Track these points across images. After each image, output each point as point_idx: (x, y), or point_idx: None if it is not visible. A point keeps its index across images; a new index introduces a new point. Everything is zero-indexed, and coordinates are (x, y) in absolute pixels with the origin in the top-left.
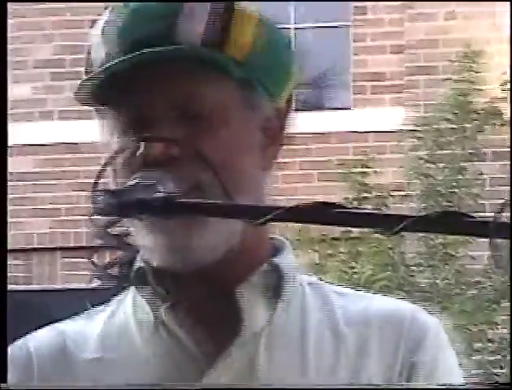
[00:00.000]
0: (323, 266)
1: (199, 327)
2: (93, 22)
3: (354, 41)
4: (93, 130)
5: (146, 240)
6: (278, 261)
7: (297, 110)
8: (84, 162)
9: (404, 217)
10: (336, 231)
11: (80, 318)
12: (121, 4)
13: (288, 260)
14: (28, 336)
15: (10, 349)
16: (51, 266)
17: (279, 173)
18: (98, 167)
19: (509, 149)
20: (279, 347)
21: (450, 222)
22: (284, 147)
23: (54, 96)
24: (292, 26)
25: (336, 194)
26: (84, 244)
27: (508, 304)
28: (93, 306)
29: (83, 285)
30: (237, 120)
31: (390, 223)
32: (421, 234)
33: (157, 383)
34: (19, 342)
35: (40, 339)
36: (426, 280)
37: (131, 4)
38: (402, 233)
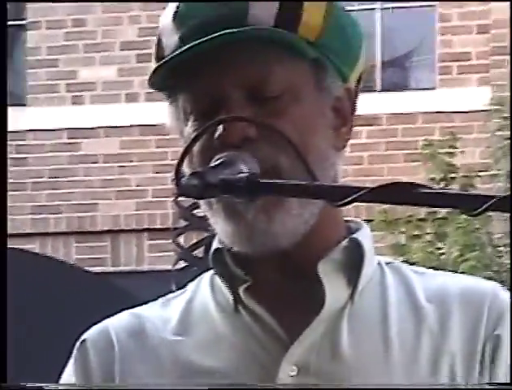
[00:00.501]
0: (410, 247)
1: (280, 305)
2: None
3: (440, 21)
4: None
5: (225, 225)
6: (357, 237)
7: (383, 90)
8: (169, 143)
9: (489, 197)
10: (422, 211)
11: (157, 304)
12: None
13: (367, 238)
14: (106, 321)
15: (87, 334)
16: (138, 248)
17: (365, 154)
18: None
19: None
20: (361, 325)
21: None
22: (371, 127)
23: (139, 78)
24: (378, 5)
25: (422, 175)
26: (170, 226)
27: None
28: (172, 291)
29: (169, 267)
30: (310, 100)
31: (475, 204)
32: (508, 214)
33: (241, 361)
34: (98, 326)
35: (119, 323)
36: None
37: None
38: (488, 213)
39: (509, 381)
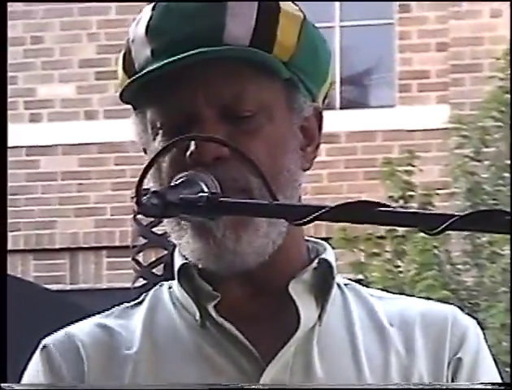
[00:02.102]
0: (369, 264)
1: (251, 323)
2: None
3: (399, 38)
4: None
5: (193, 242)
6: (327, 257)
7: (342, 108)
8: (128, 160)
9: (448, 216)
10: (381, 229)
11: (116, 314)
12: (165, 3)
13: (333, 258)
14: (70, 328)
15: (49, 339)
16: (96, 266)
17: (324, 172)
18: (143, 166)
19: None
20: (331, 345)
21: (495, 220)
22: (330, 145)
23: (98, 95)
24: (337, 24)
25: (381, 193)
26: (129, 244)
27: None
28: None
29: (128, 284)
30: (282, 120)
31: (434, 222)
32: (466, 232)
33: (212, 377)
34: (59, 333)
35: (82, 331)
36: (472, 279)
37: (177, 3)
38: (447, 232)
39: (509, 381)
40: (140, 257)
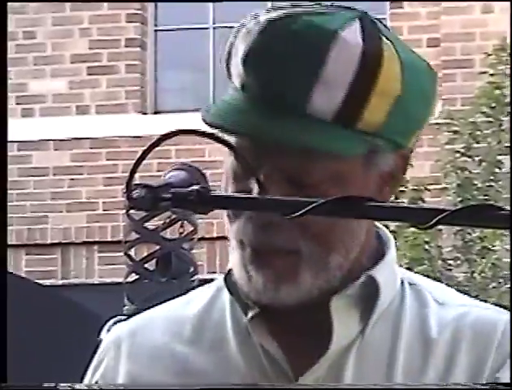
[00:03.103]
0: None
1: (287, 338)
2: (129, 15)
3: None
4: (129, 124)
5: (244, 269)
6: (375, 273)
7: None
8: (120, 155)
9: (439, 210)
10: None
11: (176, 303)
12: (263, 36)
13: (387, 269)
14: (121, 324)
15: (117, 327)
16: (88, 261)
17: None
18: (134, 161)
19: None
20: (368, 360)
21: (486, 215)
22: None
23: (90, 90)
24: None
25: None
26: (121, 239)
27: None
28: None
29: (120, 279)
30: (354, 182)
31: (425, 217)
32: (457, 228)
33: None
34: (111, 332)
35: (130, 326)
36: (463, 274)
37: (279, 52)
38: (438, 227)
39: (509, 381)
40: (132, 252)
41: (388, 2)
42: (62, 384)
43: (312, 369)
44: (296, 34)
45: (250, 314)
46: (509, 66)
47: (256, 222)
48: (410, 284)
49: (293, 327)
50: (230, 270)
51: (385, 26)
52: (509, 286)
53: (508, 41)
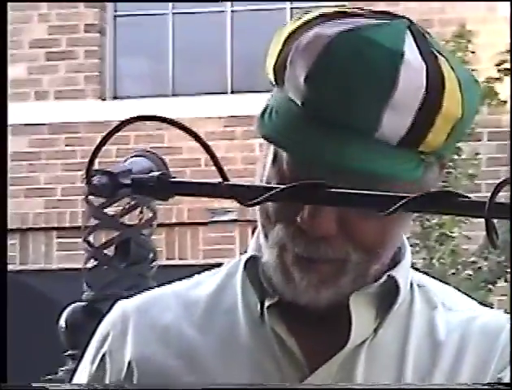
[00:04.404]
0: None
1: (304, 329)
2: (90, 1)
3: None
4: (88, 110)
5: (284, 269)
6: (395, 273)
7: None
8: (79, 141)
9: (399, 197)
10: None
11: (184, 285)
12: (328, 56)
13: (404, 269)
14: (127, 300)
15: (124, 303)
16: (47, 246)
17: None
18: (93, 147)
19: (507, 129)
20: (379, 358)
21: (446, 202)
22: None
23: (48, 76)
24: (288, 5)
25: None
26: (79, 225)
27: (504, 284)
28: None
29: (79, 265)
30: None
31: (385, 204)
32: (416, 214)
33: (252, 375)
34: (117, 307)
35: (138, 304)
36: (421, 261)
37: (347, 73)
38: (397, 213)
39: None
40: (91, 238)
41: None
42: (63, 385)
43: (327, 364)
44: (361, 54)
45: (268, 303)
46: (468, 52)
47: (308, 235)
48: (419, 286)
49: (310, 320)
50: (251, 259)
51: (428, 33)
52: (467, 273)
53: (467, 27)
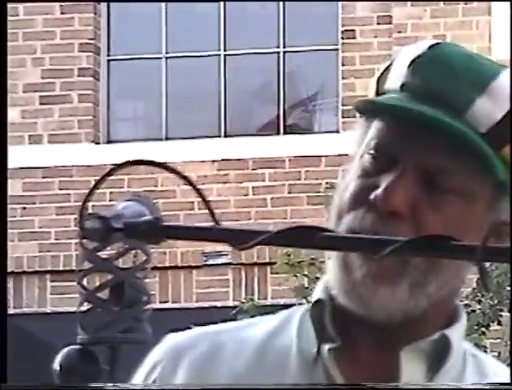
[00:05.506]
0: (313, 289)
1: (358, 378)
2: (82, 45)
3: (343, 64)
4: (82, 154)
5: (335, 273)
6: (449, 333)
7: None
8: (72, 185)
9: (391, 241)
10: (325, 254)
11: (240, 324)
12: (439, 52)
13: (459, 333)
14: (180, 334)
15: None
16: (40, 290)
17: (268, 196)
18: (87, 190)
19: None
20: None
21: (438, 246)
22: (274, 170)
23: (43, 120)
24: (281, 49)
25: (325, 218)
26: (73, 268)
27: (497, 327)
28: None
29: (72, 309)
30: (473, 216)
31: (378, 247)
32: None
33: None
34: (169, 339)
35: (192, 338)
36: None
37: (450, 58)
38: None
39: (509, 381)
40: (85, 282)
41: (340, 33)
42: (63, 385)
43: None
44: (464, 52)
45: (328, 347)
46: None
47: (379, 210)
48: (473, 355)
49: (364, 369)
50: (317, 302)
51: None
52: None
53: None
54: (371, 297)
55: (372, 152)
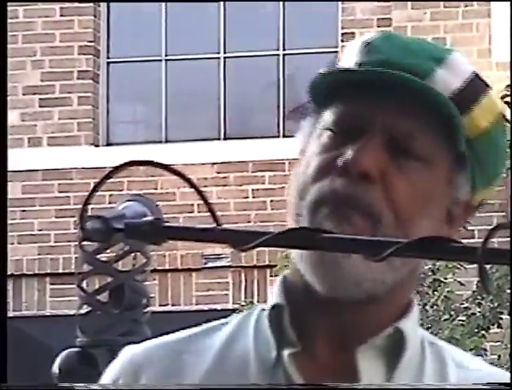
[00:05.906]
0: None
1: (317, 381)
2: (82, 47)
3: None
4: (81, 156)
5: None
6: (403, 325)
7: (285, 136)
8: (72, 188)
9: (392, 243)
10: None
11: (197, 332)
12: (391, 34)
13: (413, 323)
14: (137, 347)
15: (128, 351)
16: (40, 292)
17: (267, 199)
18: (87, 193)
19: None
20: None
21: (438, 248)
22: (273, 173)
23: (42, 122)
24: (281, 51)
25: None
26: (72, 271)
27: (497, 330)
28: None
29: (71, 311)
30: (436, 183)
31: (378, 249)
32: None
33: None
34: (133, 349)
35: (149, 352)
36: None
37: (403, 39)
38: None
39: (509, 381)
40: (84, 284)
41: (339, 36)
42: (63, 384)
43: None
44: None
45: (288, 352)
46: None
47: (349, 171)
48: (430, 343)
49: (324, 371)
50: (275, 306)
51: None
52: (461, 319)
53: None
54: (336, 268)
55: (332, 128)
